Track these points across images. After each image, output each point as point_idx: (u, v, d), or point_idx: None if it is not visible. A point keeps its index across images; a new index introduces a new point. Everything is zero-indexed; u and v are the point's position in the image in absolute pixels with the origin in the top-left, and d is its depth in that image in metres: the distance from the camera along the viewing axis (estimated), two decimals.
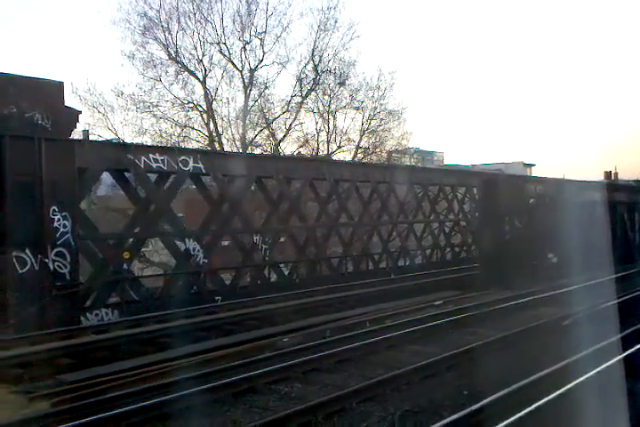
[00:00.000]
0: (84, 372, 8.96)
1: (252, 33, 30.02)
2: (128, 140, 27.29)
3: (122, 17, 29.77)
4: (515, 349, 10.11)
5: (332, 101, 31.75)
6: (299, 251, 19.92)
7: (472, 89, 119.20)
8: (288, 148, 32.85)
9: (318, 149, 32.33)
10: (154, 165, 14.98)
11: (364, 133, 32.76)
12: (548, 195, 23.76)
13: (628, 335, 9.84)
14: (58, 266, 12.61)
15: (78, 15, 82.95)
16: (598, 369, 7.58)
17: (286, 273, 19.43)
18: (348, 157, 32.19)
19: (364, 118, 32.59)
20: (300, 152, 31.98)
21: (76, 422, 6.58)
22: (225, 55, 29.99)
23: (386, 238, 23.40)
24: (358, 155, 32.68)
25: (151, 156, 14.95)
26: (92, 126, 28.42)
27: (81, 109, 15.64)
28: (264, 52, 30.33)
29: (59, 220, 12.70)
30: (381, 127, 33.25)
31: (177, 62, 29.49)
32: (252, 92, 30.55)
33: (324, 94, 31.63)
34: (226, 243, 21.59)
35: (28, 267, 12.19)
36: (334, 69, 31.22)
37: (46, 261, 12.39)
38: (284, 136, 31.66)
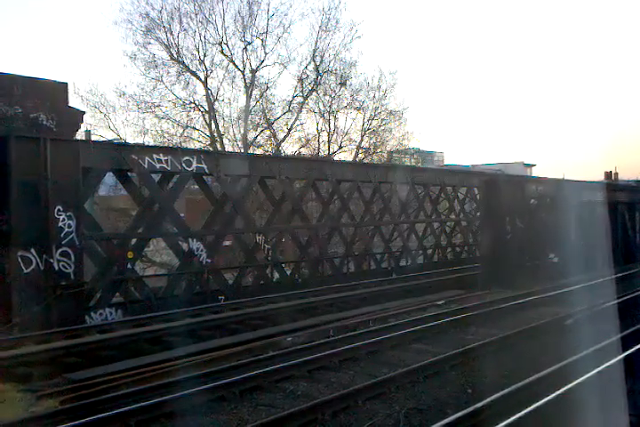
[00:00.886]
0: (90, 370, 9.03)
1: (254, 33, 30.12)
2: (129, 141, 27.41)
3: (124, 17, 29.90)
4: (516, 348, 10.19)
5: (334, 102, 31.84)
6: (301, 251, 20.01)
7: (472, 89, 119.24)
8: (289, 148, 33.02)
9: (319, 149, 32.43)
10: (157, 166, 15.05)
11: (364, 134, 32.85)
12: (549, 195, 23.82)
13: (628, 335, 9.91)
14: (62, 266, 12.68)
15: (80, 16, 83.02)
16: (598, 369, 7.64)
17: (288, 273, 19.50)
18: (349, 158, 32.29)
19: (364, 119, 32.69)
20: (300, 152, 32.05)
21: (85, 420, 6.65)
22: (226, 56, 30.09)
23: (387, 238, 23.48)
24: (359, 155, 32.76)
25: (154, 156, 15.01)
26: (94, 127, 28.51)
27: (83, 110, 15.77)
28: (265, 53, 30.44)
29: (63, 220, 12.77)
30: (382, 127, 33.34)
31: (179, 63, 29.58)
32: (253, 93, 30.64)
33: (325, 95, 31.73)
34: (228, 243, 21.69)
35: (32, 266, 12.25)
36: (335, 70, 31.33)
37: (51, 260, 12.46)
38: (286, 136, 31.75)
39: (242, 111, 30.74)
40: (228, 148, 30.19)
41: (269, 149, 31.06)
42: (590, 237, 19.69)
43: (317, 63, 30.95)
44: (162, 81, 29.54)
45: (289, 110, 31.14)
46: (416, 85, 55.82)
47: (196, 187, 20.31)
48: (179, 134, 30.18)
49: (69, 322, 12.16)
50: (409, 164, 40.45)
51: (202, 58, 29.69)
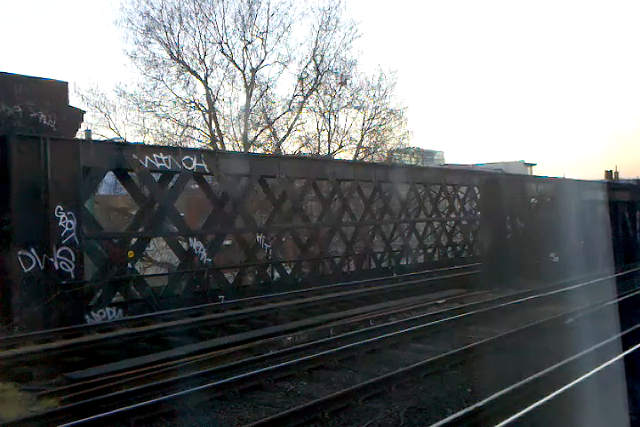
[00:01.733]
0: (90, 370, 9.04)
1: (254, 33, 30.10)
2: (130, 140, 27.39)
3: (124, 17, 29.82)
4: (517, 347, 10.18)
5: (334, 101, 31.83)
6: (301, 250, 20.01)
7: (473, 88, 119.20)
8: (289, 147, 32.96)
9: (319, 148, 32.41)
10: (157, 165, 15.05)
11: (365, 133, 32.83)
12: (549, 194, 23.83)
13: (629, 335, 9.91)
14: (63, 265, 12.69)
15: (81, 15, 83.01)
16: (599, 368, 7.64)
17: (289, 272, 19.51)
18: (350, 157, 32.28)
19: (365, 118, 32.66)
20: (301, 152, 32.05)
21: (85, 420, 6.65)
22: (227, 55, 30.08)
23: (388, 238, 23.48)
24: (360, 154, 32.76)
25: (155, 155, 15.02)
26: (94, 126, 28.51)
27: (83, 109, 15.76)
28: (266, 52, 30.42)
29: (64, 219, 12.78)
30: (382, 127, 33.32)
31: (179, 62, 29.57)
32: (253, 92, 30.63)
33: (325, 94, 31.72)
34: (228, 242, 21.69)
35: (33, 266, 12.27)
36: (335, 69, 31.30)
37: (51, 260, 12.47)
38: (286, 136, 31.74)
39: (242, 110, 30.75)
40: (229, 147, 30.22)
41: (270, 149, 31.07)
42: (590, 236, 19.71)
43: (317, 62, 30.96)
44: (162, 80, 29.57)
45: (289, 110, 31.17)
46: (416, 84, 55.90)
47: (197, 186, 20.31)
48: (179, 134, 30.21)
49: (69, 321, 12.16)
50: (409, 163, 40.45)
51: (202, 57, 29.71)
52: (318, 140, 32.39)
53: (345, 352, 9.71)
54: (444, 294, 16.45)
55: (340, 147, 32.64)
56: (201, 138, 30.67)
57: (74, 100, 24.15)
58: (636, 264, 22.07)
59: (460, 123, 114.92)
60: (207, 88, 30.06)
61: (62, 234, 12.71)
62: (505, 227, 19.60)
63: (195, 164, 15.84)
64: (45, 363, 9.39)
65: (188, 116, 30.41)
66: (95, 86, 40.96)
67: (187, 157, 15.72)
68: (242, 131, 30.66)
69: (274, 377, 8.43)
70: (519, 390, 7.27)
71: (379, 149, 33.91)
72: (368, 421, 6.90)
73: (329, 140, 32.22)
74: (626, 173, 48.70)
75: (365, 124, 32.67)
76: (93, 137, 25.17)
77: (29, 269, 12.20)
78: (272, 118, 31.14)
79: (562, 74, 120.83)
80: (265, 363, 9.10)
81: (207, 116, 30.40)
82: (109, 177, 17.95)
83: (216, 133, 30.22)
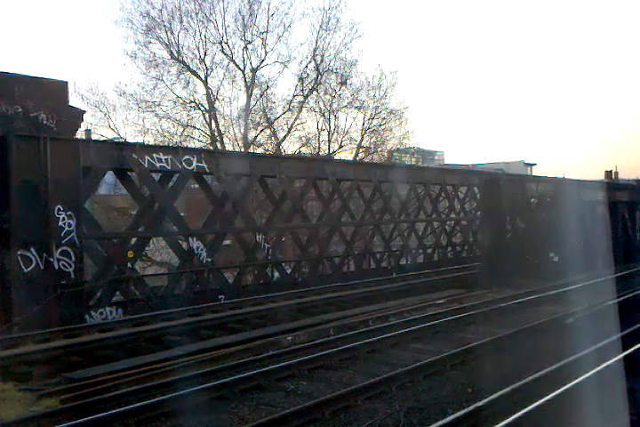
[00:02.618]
0: (90, 370, 9.03)
1: (254, 32, 30.09)
2: (130, 140, 27.36)
3: (124, 17, 29.81)
4: (517, 347, 10.18)
5: (334, 101, 31.82)
6: (301, 250, 20.02)
7: (473, 88, 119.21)
8: (289, 147, 32.92)
9: (320, 148, 32.41)
10: (157, 165, 15.06)
11: (365, 133, 32.83)
12: (549, 194, 23.84)
13: (629, 335, 9.92)
14: (63, 265, 12.68)
15: (81, 15, 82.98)
16: (599, 368, 7.64)
17: (289, 272, 19.51)
18: (350, 157, 32.28)
19: (365, 118, 32.64)
20: (301, 152, 32.05)
21: (85, 420, 6.65)
22: (227, 55, 30.08)
23: (388, 237, 23.47)
24: (360, 154, 32.76)
25: (155, 155, 15.02)
26: (94, 126, 28.49)
27: (83, 109, 15.77)
28: (266, 52, 30.40)
29: (63, 219, 12.78)
30: (383, 127, 33.32)
31: (179, 62, 29.56)
32: (253, 92, 30.62)
33: (325, 94, 31.71)
34: (228, 242, 21.69)
35: (33, 266, 12.26)
36: (336, 69, 31.29)
37: (51, 260, 12.46)
38: (286, 136, 31.73)
39: (242, 110, 30.75)
40: (229, 147, 30.21)
41: (270, 149, 31.06)
42: (590, 236, 19.72)
43: (318, 62, 30.94)
44: (162, 80, 29.55)
45: (289, 109, 31.16)
46: (417, 84, 55.95)
47: (197, 186, 20.31)
48: (179, 133, 30.20)
49: (69, 321, 12.17)
50: (409, 163, 40.44)
51: (202, 57, 29.71)
52: (318, 140, 32.43)
53: (345, 352, 9.71)
54: (444, 293, 16.45)
55: (340, 147, 32.67)
56: (201, 138, 30.70)
57: (74, 100, 24.17)
58: (636, 264, 22.08)
59: (460, 123, 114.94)
60: (207, 88, 30.09)
61: (62, 234, 12.71)
62: (505, 227, 19.61)
63: (195, 163, 15.84)
64: (45, 363, 9.38)
65: (188, 115, 30.44)
66: (95, 86, 40.87)
67: (187, 156, 15.72)
68: (242, 131, 30.67)
69: (274, 377, 8.43)
70: (519, 390, 7.27)
71: (379, 149, 33.94)
72: (368, 421, 6.90)
73: (329, 140, 32.25)
74: (626, 173, 48.81)
75: (365, 124, 32.70)
76: (93, 137, 25.17)
77: (29, 269, 12.19)
78: (272, 118, 31.17)
79: (562, 74, 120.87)
80: (265, 363, 9.10)
81: (207, 115, 30.41)
82: (109, 177, 17.96)
83: (216, 133, 30.21)
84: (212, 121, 30.29)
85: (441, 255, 26.01)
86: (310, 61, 30.93)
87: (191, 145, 28.82)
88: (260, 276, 18.46)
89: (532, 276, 18.42)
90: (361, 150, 32.93)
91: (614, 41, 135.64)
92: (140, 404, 7.20)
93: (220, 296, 16.01)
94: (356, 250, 22.53)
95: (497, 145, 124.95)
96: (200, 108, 30.39)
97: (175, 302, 14.53)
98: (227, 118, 30.94)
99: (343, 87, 31.63)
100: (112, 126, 28.88)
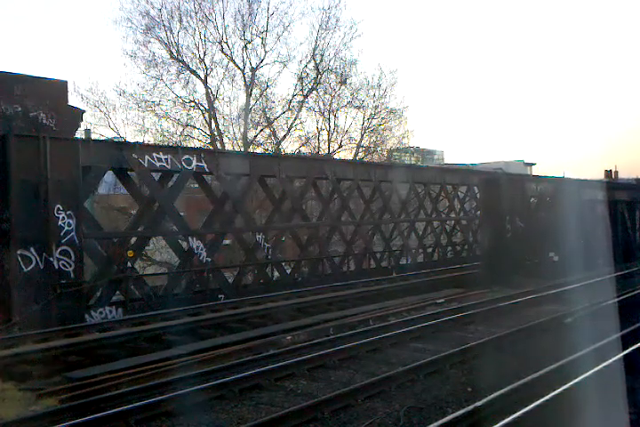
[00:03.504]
0: (90, 369, 9.03)
1: (254, 32, 30.10)
2: (129, 140, 27.37)
3: (124, 16, 29.85)
4: (517, 346, 10.18)
5: (334, 100, 31.84)
6: (301, 250, 20.02)
7: (472, 88, 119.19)
8: (289, 147, 32.95)
9: (319, 147, 32.43)
10: (157, 164, 15.06)
11: (365, 132, 32.84)
12: (549, 194, 23.83)
13: (628, 334, 9.92)
14: (62, 264, 12.69)
15: (80, 15, 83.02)
16: (598, 368, 7.64)
17: (288, 272, 19.51)
18: (349, 156, 32.28)
19: (365, 117, 32.66)
20: (300, 151, 32.06)
21: (84, 419, 6.64)
22: (226, 54, 30.09)
23: (387, 237, 23.48)
24: (359, 154, 32.76)
25: (154, 155, 15.02)
26: (94, 125, 28.49)
27: (83, 109, 15.78)
28: (265, 52, 30.42)
29: (63, 218, 12.78)
30: (382, 126, 33.32)
31: (178, 61, 29.57)
32: (253, 91, 30.62)
33: (325, 93, 31.72)
34: (228, 241, 21.70)
35: (32, 265, 12.27)
36: (335, 68, 31.32)
37: (51, 259, 12.47)
38: (286, 135, 31.73)
39: (242, 110, 30.75)
40: (228, 146, 30.22)
41: (269, 148, 31.06)
42: (590, 235, 19.71)
43: (317, 62, 30.96)
44: (162, 80, 29.56)
45: (289, 109, 31.17)
46: (416, 84, 56.05)
47: (196, 186, 20.32)
48: (179, 133, 30.22)
49: (69, 321, 12.17)
50: (409, 162, 40.43)
51: (202, 56, 29.72)
52: (318, 139, 32.45)
53: (344, 352, 9.71)
54: (444, 293, 16.46)
55: (340, 146, 32.68)
56: (201, 137, 30.71)
57: (73, 100, 24.21)
58: (636, 263, 22.08)
59: (459, 122, 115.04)
60: (207, 87, 30.09)
61: (62, 233, 12.71)
62: (505, 226, 19.60)
63: (194, 163, 15.84)
64: (45, 362, 9.38)
65: (187, 115, 30.45)
66: (95, 86, 41.15)
67: (186, 156, 15.73)
68: (241, 130, 30.68)
69: (273, 376, 8.43)
70: (518, 389, 7.28)
71: (378, 149, 33.96)
72: (368, 420, 6.91)
73: (329, 140, 32.26)
74: (625, 173, 48.81)
75: (365, 124, 32.72)
76: (93, 136, 25.17)
77: (29, 269, 12.20)
78: (272, 118, 31.17)
79: (562, 74, 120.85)
80: (264, 362, 9.10)
81: (207, 115, 30.41)
82: (109, 176, 17.95)
83: (216, 133, 30.22)
84: (212, 120, 30.32)
85: (441, 255, 26.02)
86: (310, 61, 30.98)
87: (191, 145, 28.83)
88: (259, 275, 18.46)
89: (531, 275, 18.42)
90: (361, 150, 32.95)
91: (614, 41, 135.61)
92: (139, 403, 7.19)
93: (219, 296, 16.02)
94: (356, 250, 22.53)
95: (497, 144, 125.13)
96: (200, 108, 30.43)
97: (175, 301, 14.54)
98: (226, 118, 30.98)
99: (343, 87, 31.68)
100: (112, 126, 28.92)
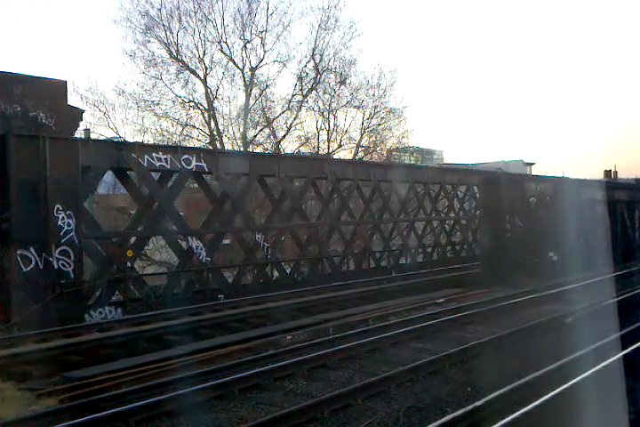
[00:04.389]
0: (89, 369, 9.02)
1: (253, 32, 30.13)
2: (129, 139, 27.37)
3: (123, 16, 29.82)
4: (516, 346, 10.19)
5: (333, 100, 31.85)
6: (300, 249, 20.01)
7: (472, 87, 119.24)
8: (289, 146, 32.95)
9: (319, 147, 32.43)
10: (157, 164, 15.05)
11: (364, 132, 32.85)
12: (549, 193, 23.83)
13: (628, 334, 9.92)
14: (62, 264, 12.68)
15: (80, 14, 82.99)
16: (597, 367, 7.65)
17: (288, 271, 19.50)
18: (349, 156, 32.30)
19: (364, 117, 32.68)
20: (300, 151, 32.06)
21: (84, 419, 6.64)
22: (226, 54, 30.10)
23: (387, 237, 23.47)
24: (359, 153, 32.77)
25: (154, 154, 15.01)
26: (93, 125, 28.49)
27: (82, 108, 15.76)
28: (265, 51, 30.44)
29: (63, 218, 12.77)
30: (382, 126, 33.33)
31: (178, 61, 29.57)
32: (252, 91, 30.64)
33: (324, 93, 31.73)
34: (227, 241, 21.69)
35: (32, 265, 12.26)
36: (335, 68, 31.33)
37: (50, 259, 12.46)
38: (285, 135, 31.75)
39: (241, 109, 30.77)
40: (228, 146, 30.23)
41: (269, 148, 31.06)
42: (589, 235, 19.71)
43: (317, 61, 30.98)
44: (161, 79, 29.57)
45: (288, 109, 31.17)
46: (416, 84, 56.12)
47: (196, 185, 20.31)
48: (178, 133, 30.23)
49: (69, 321, 12.15)
50: (408, 162, 40.43)
51: (201, 56, 29.73)
52: (317, 139, 32.46)
53: (344, 351, 9.70)
54: (444, 293, 16.46)
55: (340, 146, 32.69)
56: (200, 137, 30.71)
57: (73, 100, 24.14)
58: (635, 263, 22.08)
59: (459, 122, 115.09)
60: (206, 87, 30.10)
61: (61, 233, 12.70)
62: (504, 226, 19.59)
63: (194, 163, 15.84)
64: (44, 362, 9.36)
65: (187, 115, 30.47)
66: (94, 85, 41.05)
67: (186, 156, 15.72)
68: (241, 130, 30.70)
69: (273, 376, 8.43)
70: (518, 389, 7.28)
71: (378, 149, 33.97)
72: (367, 420, 6.91)
73: (328, 140, 32.28)
74: (625, 173, 48.80)
75: (365, 124, 32.73)
76: (92, 136, 25.17)
77: (28, 269, 12.19)
78: (271, 117, 31.18)
79: (561, 73, 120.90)
80: (264, 362, 9.09)
81: (206, 115, 30.42)
82: (108, 176, 17.93)
83: (215, 133, 30.23)
84: (212, 120, 30.34)
85: (440, 254, 26.00)
86: (309, 61, 30.99)
87: (190, 144, 28.83)
88: (259, 275, 18.45)
89: (531, 275, 18.43)
90: (360, 150, 32.97)
91: (614, 41, 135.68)
92: (139, 403, 7.18)
93: (219, 296, 16.01)
94: (356, 249, 22.53)
95: (496, 144, 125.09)
96: (199, 108, 30.44)
97: (174, 301, 14.53)
98: (226, 118, 31.00)
99: (342, 86, 31.70)
100: (111, 126, 28.93)
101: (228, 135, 30.94)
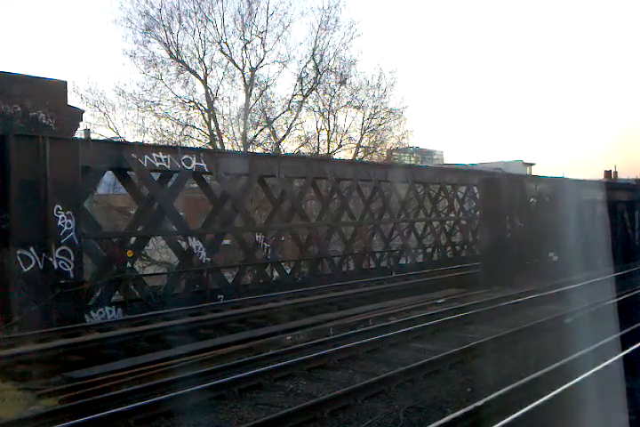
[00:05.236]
0: (89, 369, 9.02)
1: (253, 32, 30.15)
2: (129, 139, 27.39)
3: (123, 16, 29.84)
4: (516, 346, 10.19)
5: (333, 100, 31.90)
6: (300, 249, 20.01)
7: (472, 88, 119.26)
8: (289, 147, 32.99)
9: (319, 147, 32.46)
10: (157, 164, 15.04)
11: (364, 132, 32.90)
12: (549, 194, 23.82)
13: (628, 334, 9.92)
14: (62, 264, 12.66)
15: (80, 14, 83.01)
16: (598, 368, 7.64)
17: (288, 272, 19.50)
18: (349, 156, 32.32)
19: (364, 117, 32.74)
20: (300, 151, 32.08)
21: (84, 419, 6.64)
22: (226, 54, 30.12)
23: (387, 237, 23.47)
24: (359, 154, 32.80)
25: (154, 155, 15.01)
26: (93, 125, 28.51)
27: (83, 108, 15.75)
28: (265, 51, 30.46)
29: (63, 218, 12.75)
30: (382, 126, 33.36)
31: (178, 61, 29.59)
32: (252, 91, 30.67)
33: (324, 93, 31.76)
34: (227, 241, 21.69)
35: (32, 265, 12.23)
36: (335, 68, 31.37)
37: (50, 259, 12.44)
38: (285, 135, 31.79)
39: (241, 110, 30.80)
40: (228, 146, 30.25)
41: (269, 148, 31.08)
42: (590, 235, 19.71)
43: (317, 62, 31.00)
44: (161, 79, 29.60)
45: (288, 109, 31.20)
46: (416, 84, 56.15)
47: (196, 185, 20.31)
48: (178, 133, 30.25)
49: (69, 321, 12.14)
50: (408, 162, 40.45)
51: (201, 56, 29.76)
52: (317, 139, 32.49)
53: (344, 352, 9.70)
54: (444, 293, 16.45)
55: (340, 146, 32.73)
56: (200, 137, 30.74)
57: (73, 100, 24.18)
58: (635, 263, 22.07)
59: (459, 122, 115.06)
60: (206, 87, 30.13)
61: (61, 233, 12.68)
62: (504, 226, 19.59)
63: (194, 163, 15.83)
64: (45, 362, 9.37)
65: (187, 115, 30.50)
66: (94, 85, 41.13)
67: (186, 156, 15.72)
68: (241, 130, 30.71)
69: (273, 376, 8.43)
70: (518, 389, 7.27)
71: (378, 149, 34.02)
72: (367, 420, 6.90)
73: (328, 140, 32.31)
74: (625, 173, 48.72)
75: (365, 124, 32.77)
76: (92, 136, 25.14)
77: (28, 269, 12.17)
78: (271, 118, 31.20)
79: (561, 73, 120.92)
80: (264, 362, 9.09)
81: (206, 115, 30.45)
82: (108, 176, 17.94)
83: (215, 133, 30.25)
84: (212, 120, 30.37)
85: (440, 255, 26.00)
86: (309, 61, 31.02)
87: (190, 144, 28.85)
88: (259, 275, 18.45)
89: (531, 275, 18.42)
90: (360, 150, 33.01)
91: (614, 41, 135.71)
92: (139, 403, 7.19)
93: (219, 296, 16.00)
94: (356, 249, 22.53)
95: (496, 144, 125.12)
96: (199, 108, 30.47)
97: (174, 301, 14.53)
98: (226, 118, 31.03)
99: (342, 87, 31.73)
100: (111, 126, 28.97)
101: (228, 135, 31.01)
